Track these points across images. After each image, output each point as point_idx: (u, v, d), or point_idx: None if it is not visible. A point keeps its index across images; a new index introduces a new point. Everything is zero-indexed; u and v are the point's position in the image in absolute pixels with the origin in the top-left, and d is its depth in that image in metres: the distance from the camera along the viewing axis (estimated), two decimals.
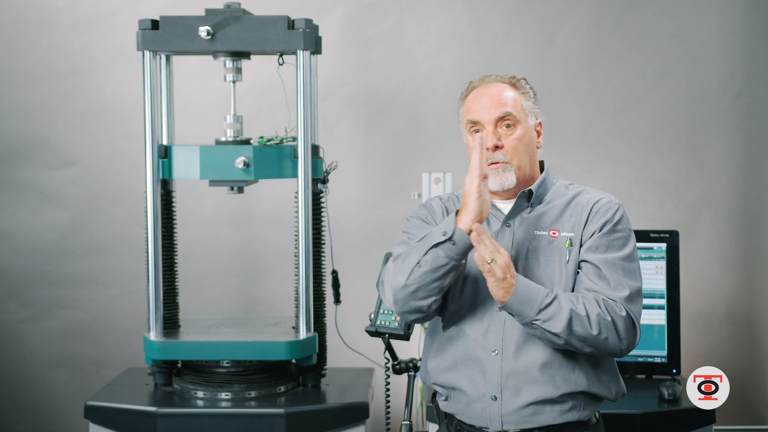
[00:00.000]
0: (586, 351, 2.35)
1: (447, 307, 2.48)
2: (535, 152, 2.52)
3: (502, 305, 2.32)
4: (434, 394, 2.61)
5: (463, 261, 2.36)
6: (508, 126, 2.45)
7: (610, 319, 2.32)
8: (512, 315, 2.34)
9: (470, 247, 2.32)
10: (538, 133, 2.53)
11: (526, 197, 2.48)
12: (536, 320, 2.31)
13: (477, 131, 2.46)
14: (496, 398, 2.40)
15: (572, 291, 2.40)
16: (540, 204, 2.49)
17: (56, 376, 4.25)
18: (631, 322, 2.36)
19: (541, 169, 2.55)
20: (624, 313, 2.34)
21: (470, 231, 2.30)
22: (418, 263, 2.34)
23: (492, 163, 2.44)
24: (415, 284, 2.35)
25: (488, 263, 2.27)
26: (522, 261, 2.43)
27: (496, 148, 2.43)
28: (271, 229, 4.19)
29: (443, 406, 2.53)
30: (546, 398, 2.39)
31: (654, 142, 4.22)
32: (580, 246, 2.42)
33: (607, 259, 2.39)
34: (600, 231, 2.42)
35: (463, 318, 2.45)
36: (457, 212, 2.33)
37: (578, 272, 2.41)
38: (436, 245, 2.32)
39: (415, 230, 2.51)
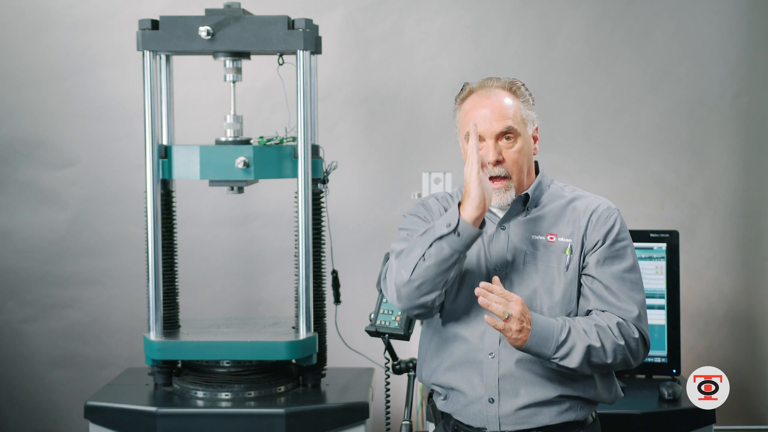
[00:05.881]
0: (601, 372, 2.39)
1: (444, 305, 2.47)
2: (532, 159, 2.50)
3: (521, 349, 2.31)
4: (431, 394, 2.61)
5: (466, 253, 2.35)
6: (508, 138, 2.41)
7: (623, 343, 2.34)
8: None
9: (475, 237, 2.30)
10: (535, 139, 2.50)
11: (522, 201, 2.46)
12: (554, 358, 2.31)
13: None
14: (493, 401, 2.40)
15: (571, 297, 2.40)
16: (536, 207, 2.48)
17: (56, 376, 4.25)
18: (643, 341, 2.38)
19: (537, 171, 2.53)
20: (637, 335, 2.36)
21: (478, 225, 2.28)
22: (422, 257, 2.31)
23: (493, 178, 2.40)
24: (419, 279, 2.32)
25: (504, 320, 2.25)
26: (519, 266, 2.42)
27: (497, 162, 2.40)
28: (271, 229, 4.19)
29: (441, 405, 2.53)
30: (543, 400, 2.39)
31: (654, 142, 4.22)
32: (581, 254, 2.41)
33: (614, 274, 2.39)
34: (603, 243, 2.40)
35: (460, 320, 2.44)
36: (459, 204, 2.31)
37: (581, 284, 2.41)
38: (440, 237, 2.30)
39: (414, 227, 2.49)
